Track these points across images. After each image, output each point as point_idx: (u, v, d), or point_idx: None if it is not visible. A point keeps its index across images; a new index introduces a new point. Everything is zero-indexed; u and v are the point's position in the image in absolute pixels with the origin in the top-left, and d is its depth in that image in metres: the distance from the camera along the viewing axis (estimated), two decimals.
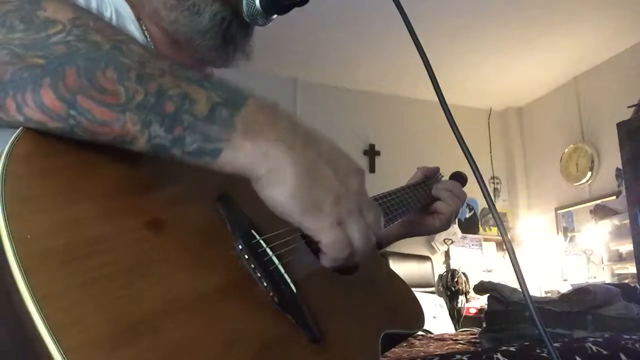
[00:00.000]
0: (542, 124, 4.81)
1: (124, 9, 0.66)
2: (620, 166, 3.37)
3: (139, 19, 0.67)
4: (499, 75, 4.39)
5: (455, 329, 3.58)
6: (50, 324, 0.32)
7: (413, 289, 0.86)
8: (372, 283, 0.75)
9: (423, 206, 0.99)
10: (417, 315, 0.80)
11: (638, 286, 1.61)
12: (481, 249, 4.71)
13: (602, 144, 4.09)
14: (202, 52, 0.68)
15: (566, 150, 4.41)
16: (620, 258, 3.73)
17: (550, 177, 4.60)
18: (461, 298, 4.17)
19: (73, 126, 0.40)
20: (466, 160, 0.61)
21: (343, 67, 4.24)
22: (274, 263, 0.52)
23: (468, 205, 4.73)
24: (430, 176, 1.06)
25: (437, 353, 1.12)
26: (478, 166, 0.60)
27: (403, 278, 0.85)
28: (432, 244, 4.47)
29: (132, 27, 0.65)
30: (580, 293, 1.43)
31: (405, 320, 0.77)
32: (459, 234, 4.55)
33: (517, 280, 0.56)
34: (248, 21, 0.67)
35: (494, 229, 4.75)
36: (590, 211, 3.98)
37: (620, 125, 3.17)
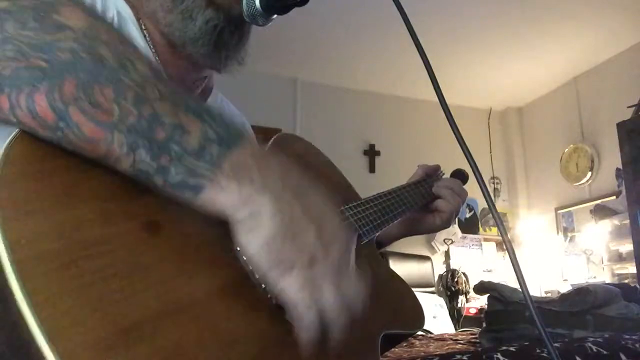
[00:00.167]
0: (542, 124, 4.81)
1: (125, 10, 0.66)
2: (620, 166, 3.37)
3: (138, 20, 0.67)
4: (499, 75, 4.39)
5: (455, 329, 3.58)
6: (46, 329, 0.32)
7: (413, 289, 0.86)
8: (372, 283, 0.75)
9: (424, 204, 0.98)
10: (417, 315, 0.80)
11: (638, 286, 1.61)
12: (481, 249, 4.71)
13: (602, 144, 4.09)
14: (195, 57, 0.68)
15: (566, 150, 4.41)
16: (620, 258, 3.73)
17: (550, 177, 4.60)
18: (461, 298, 4.17)
19: (60, 138, 0.40)
20: (466, 160, 0.61)
21: (343, 67, 4.24)
22: None
23: (468, 205, 4.73)
24: (431, 174, 1.05)
25: (437, 353, 1.12)
26: (478, 166, 0.60)
27: (403, 278, 0.85)
28: (432, 244, 4.47)
29: (133, 28, 0.65)
30: (581, 293, 1.43)
31: (406, 320, 0.77)
32: (459, 234, 4.55)
33: (517, 280, 0.56)
34: (248, 21, 0.67)
35: (494, 229, 4.75)
36: (590, 211, 3.98)
37: (620, 125, 3.17)
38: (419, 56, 0.64)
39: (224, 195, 0.41)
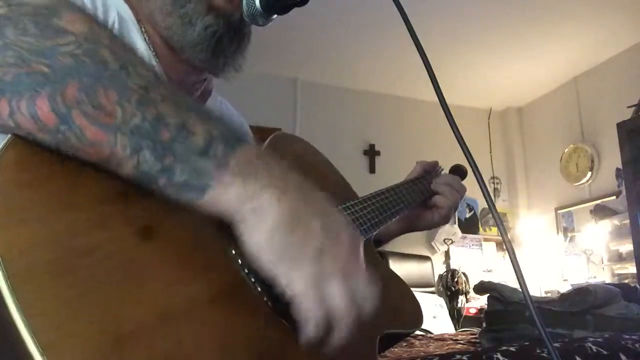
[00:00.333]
0: (542, 124, 4.81)
1: (125, 12, 0.66)
2: (620, 166, 3.37)
3: (139, 21, 0.67)
4: (499, 75, 4.38)
5: (455, 329, 3.58)
6: (39, 342, 0.31)
7: (413, 289, 0.86)
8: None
9: (422, 200, 0.98)
10: (415, 314, 0.80)
11: (638, 286, 1.61)
12: (481, 249, 4.71)
13: (602, 144, 4.09)
14: (193, 62, 0.68)
15: (566, 150, 4.40)
16: (620, 258, 3.73)
17: (550, 177, 4.60)
18: (461, 298, 4.17)
19: (59, 141, 0.39)
20: (466, 160, 0.61)
21: (343, 67, 4.24)
22: None
23: (468, 205, 4.73)
24: (430, 170, 1.05)
25: (437, 353, 1.12)
26: (478, 166, 0.60)
27: (403, 278, 0.85)
28: (432, 244, 4.47)
29: (134, 29, 0.65)
30: (581, 293, 1.43)
31: (404, 320, 0.77)
32: (459, 234, 4.55)
33: (517, 280, 0.56)
34: (248, 21, 0.67)
35: (494, 229, 4.75)
36: (590, 211, 3.97)
37: (620, 125, 3.18)
38: (419, 56, 0.64)
39: (229, 195, 0.41)
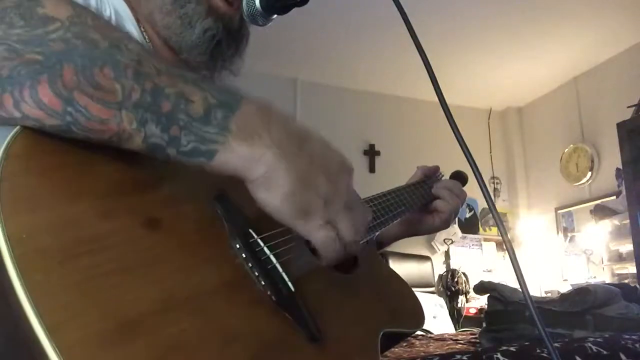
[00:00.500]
0: (542, 124, 4.81)
1: (123, 10, 0.65)
2: (620, 166, 3.37)
3: (137, 20, 0.67)
4: (499, 75, 4.39)
5: (455, 329, 3.58)
6: (45, 323, 0.32)
7: (413, 289, 0.86)
8: (372, 282, 0.75)
9: (423, 205, 0.99)
10: (417, 314, 0.80)
11: (638, 286, 1.61)
12: (481, 249, 4.71)
13: (602, 144, 4.09)
14: (191, 63, 0.69)
15: (566, 150, 4.40)
16: (620, 258, 3.73)
17: (550, 177, 4.60)
18: (461, 298, 4.17)
19: (70, 123, 0.40)
20: (466, 160, 0.61)
21: (343, 67, 4.24)
22: (271, 262, 0.52)
23: (468, 205, 4.73)
24: (430, 175, 1.06)
25: (437, 353, 1.12)
26: (478, 166, 0.60)
27: (403, 278, 0.85)
28: (432, 244, 4.47)
29: (132, 27, 0.65)
30: (581, 293, 1.43)
31: (405, 320, 0.77)
32: (459, 234, 4.55)
33: (517, 280, 0.56)
34: (248, 20, 0.67)
35: (494, 229, 4.75)
36: (590, 211, 3.97)
37: (620, 125, 3.18)
38: (419, 56, 0.64)
39: (236, 157, 0.44)
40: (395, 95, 4.67)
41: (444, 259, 4.57)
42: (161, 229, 0.43)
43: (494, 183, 4.93)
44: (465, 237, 4.62)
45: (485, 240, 4.75)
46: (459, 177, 1.09)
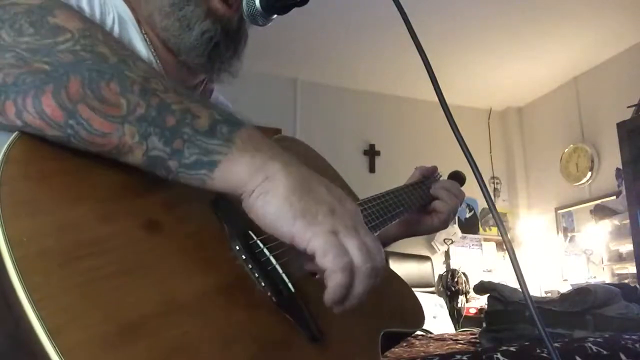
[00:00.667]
0: (542, 124, 4.81)
1: (125, 13, 0.66)
2: (620, 166, 3.37)
3: (138, 22, 0.67)
4: (499, 75, 4.38)
5: (455, 329, 3.58)
6: (47, 326, 0.32)
7: (413, 289, 0.86)
8: None
9: (422, 205, 0.99)
10: (417, 314, 0.80)
11: (638, 286, 1.61)
12: (481, 249, 4.71)
13: (602, 144, 4.09)
14: (190, 65, 0.69)
15: (566, 150, 4.40)
16: (620, 258, 3.73)
17: (550, 177, 4.60)
18: (461, 298, 4.17)
19: (70, 135, 0.40)
20: (466, 160, 0.61)
21: (343, 67, 4.24)
22: (271, 263, 0.52)
23: (468, 205, 4.73)
24: (428, 175, 1.06)
25: (437, 353, 1.12)
26: (478, 166, 0.60)
27: (403, 278, 0.85)
28: (432, 244, 4.47)
29: (134, 30, 0.65)
30: (581, 293, 1.43)
31: (405, 319, 0.77)
32: (459, 234, 4.55)
33: (517, 280, 0.56)
34: (248, 20, 0.67)
35: (494, 229, 4.75)
36: (590, 211, 3.97)
37: (620, 125, 3.18)
38: (419, 56, 0.64)
39: (238, 168, 0.43)
40: (395, 95, 4.67)
41: (444, 259, 4.57)
42: (161, 232, 0.44)
43: (494, 183, 4.93)
44: (465, 237, 4.62)
45: (485, 240, 4.75)
46: (457, 177, 1.09)
